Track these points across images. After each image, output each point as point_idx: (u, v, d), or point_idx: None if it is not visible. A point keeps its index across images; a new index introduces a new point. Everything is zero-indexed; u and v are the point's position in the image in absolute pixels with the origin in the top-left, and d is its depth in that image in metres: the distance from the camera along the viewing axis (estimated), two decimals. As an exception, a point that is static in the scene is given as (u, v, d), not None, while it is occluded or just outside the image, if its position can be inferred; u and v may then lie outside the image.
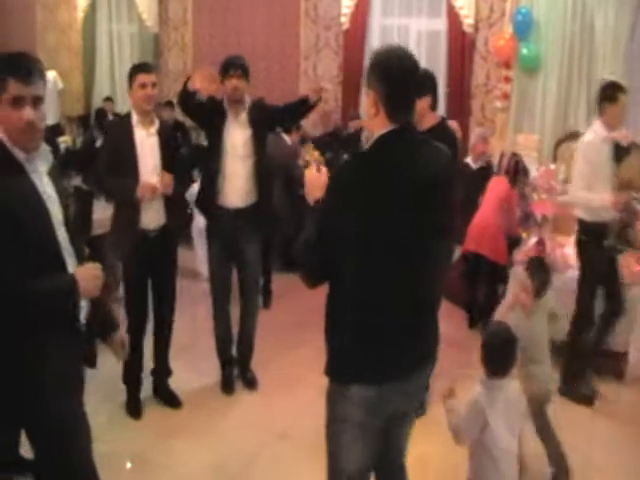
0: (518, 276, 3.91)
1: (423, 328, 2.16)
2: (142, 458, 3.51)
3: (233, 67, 3.90)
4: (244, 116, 3.95)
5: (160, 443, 3.63)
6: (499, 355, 2.59)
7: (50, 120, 7.80)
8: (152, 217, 3.74)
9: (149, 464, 3.46)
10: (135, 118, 3.70)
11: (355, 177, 2.01)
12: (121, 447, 3.55)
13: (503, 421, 2.53)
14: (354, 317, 2.04)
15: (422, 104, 3.38)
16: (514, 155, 5.27)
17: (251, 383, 4.28)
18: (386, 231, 1.98)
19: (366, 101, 2.12)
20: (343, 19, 7.61)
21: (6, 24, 10.30)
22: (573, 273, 4.16)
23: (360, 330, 2.05)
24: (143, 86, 3.63)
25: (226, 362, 4.30)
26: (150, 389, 4.09)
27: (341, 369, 2.11)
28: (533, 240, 4.65)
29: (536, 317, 3.15)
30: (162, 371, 4.08)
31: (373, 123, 2.06)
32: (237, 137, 3.92)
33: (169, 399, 4.05)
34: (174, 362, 4.17)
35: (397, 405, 2.18)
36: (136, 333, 3.88)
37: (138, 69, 3.72)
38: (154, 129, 3.73)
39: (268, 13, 8.23)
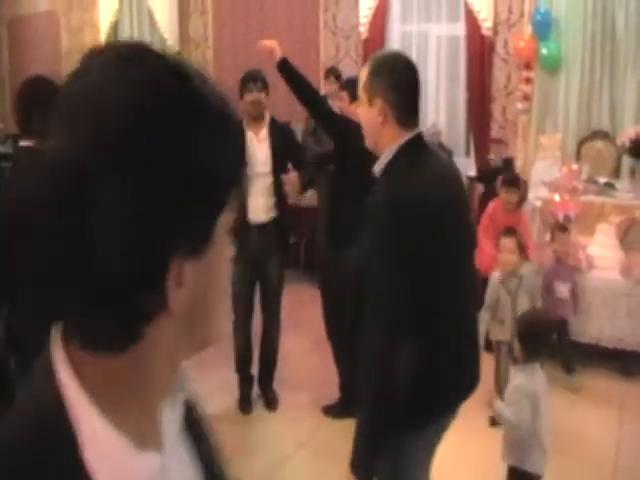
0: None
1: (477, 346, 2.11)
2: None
3: (252, 80, 3.90)
4: (264, 132, 3.93)
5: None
6: (534, 339, 2.68)
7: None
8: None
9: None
10: None
11: (414, 204, 1.84)
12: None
13: (544, 402, 2.63)
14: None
15: None
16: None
17: (272, 403, 4.18)
18: (453, 250, 1.91)
19: (366, 110, 2.00)
20: (362, 29, 7.62)
21: (32, 48, 10.53)
22: (597, 274, 4.13)
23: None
24: None
25: (245, 379, 4.20)
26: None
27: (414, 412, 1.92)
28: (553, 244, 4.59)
29: None
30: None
31: (381, 133, 1.96)
32: (258, 155, 3.90)
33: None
34: (200, 379, 4.14)
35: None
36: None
37: None
38: None
39: (288, 27, 8.27)
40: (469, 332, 2.01)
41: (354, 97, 3.48)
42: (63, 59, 10.78)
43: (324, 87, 6.81)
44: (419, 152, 1.96)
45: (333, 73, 6.73)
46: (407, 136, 1.95)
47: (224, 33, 9.03)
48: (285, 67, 3.51)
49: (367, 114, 2.00)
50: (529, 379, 2.62)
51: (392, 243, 1.80)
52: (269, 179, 3.93)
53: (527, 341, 2.64)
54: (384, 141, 1.96)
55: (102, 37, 10.00)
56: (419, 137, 1.97)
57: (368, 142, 2.01)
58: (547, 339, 2.81)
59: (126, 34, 9.88)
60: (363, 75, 2.01)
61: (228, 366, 4.19)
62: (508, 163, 6.05)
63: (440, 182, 1.92)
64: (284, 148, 3.97)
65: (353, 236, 3.14)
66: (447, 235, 1.85)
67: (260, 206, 3.95)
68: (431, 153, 2.03)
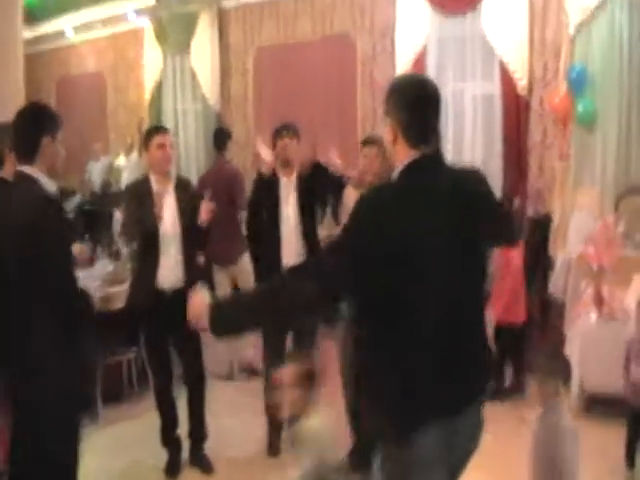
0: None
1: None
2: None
3: (285, 128, 4.03)
4: (294, 179, 4.01)
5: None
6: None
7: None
8: (168, 276, 3.76)
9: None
10: (153, 179, 3.78)
11: (384, 208, 1.93)
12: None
13: None
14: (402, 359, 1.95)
15: None
16: None
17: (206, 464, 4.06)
18: (419, 261, 1.91)
19: (385, 130, 2.07)
20: (399, 86, 7.73)
21: (80, 106, 10.93)
22: (632, 324, 4.03)
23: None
24: (161, 146, 3.73)
25: (274, 425, 4.16)
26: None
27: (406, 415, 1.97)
28: (589, 291, 4.52)
29: None
30: (196, 435, 3.99)
31: (394, 151, 2.02)
32: (289, 204, 3.98)
33: (202, 464, 3.96)
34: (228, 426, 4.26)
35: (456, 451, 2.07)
36: (161, 394, 3.87)
37: (155, 131, 3.86)
38: (171, 187, 3.80)
39: (325, 85, 8.47)
40: (437, 348, 1.95)
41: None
42: (109, 117, 11.17)
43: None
44: (421, 171, 1.98)
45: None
46: (415, 156, 1.98)
47: (264, 93, 9.27)
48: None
49: (385, 133, 2.07)
50: None
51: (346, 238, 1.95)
52: (300, 227, 4.00)
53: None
54: (397, 159, 2.01)
55: (146, 96, 10.36)
56: (425, 157, 1.98)
57: (390, 159, 2.08)
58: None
59: (169, 93, 10.22)
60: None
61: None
62: (546, 217, 6.00)
63: (418, 203, 1.92)
64: (318, 188, 4.04)
65: None
66: (403, 251, 1.87)
67: (292, 254, 4.00)
68: (438, 174, 2.03)
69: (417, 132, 1.99)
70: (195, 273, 3.90)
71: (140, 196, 3.73)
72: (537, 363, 2.90)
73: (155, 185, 3.73)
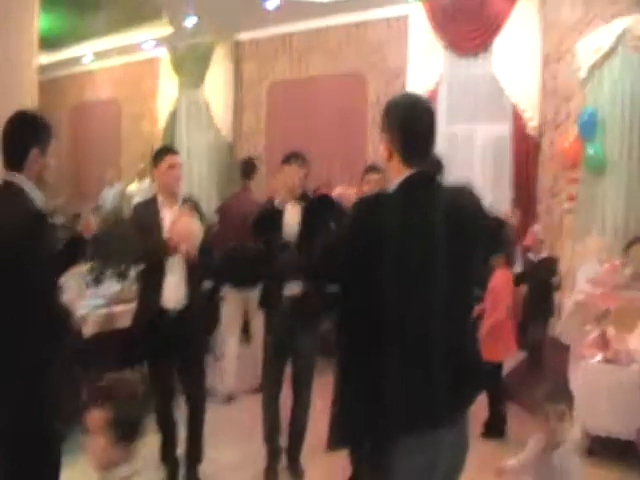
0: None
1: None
2: None
3: (294, 156, 4.02)
4: (298, 207, 3.98)
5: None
6: None
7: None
8: (172, 296, 3.71)
9: None
10: (160, 200, 3.76)
11: (381, 211, 1.98)
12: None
13: None
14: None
15: None
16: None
17: (299, 475, 4.11)
18: (410, 267, 1.94)
19: (381, 147, 2.13)
20: (409, 127, 7.77)
21: (95, 132, 11.06)
22: (637, 367, 3.98)
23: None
24: (172, 167, 3.72)
25: (272, 451, 4.12)
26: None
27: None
28: (595, 334, 4.46)
29: None
30: (192, 456, 3.92)
31: (389, 167, 2.08)
32: (294, 231, 3.94)
33: None
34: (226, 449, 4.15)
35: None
36: (162, 413, 3.81)
37: (166, 151, 3.84)
38: (177, 208, 3.77)
39: (337, 121, 8.51)
40: (422, 357, 1.95)
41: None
42: (122, 145, 11.28)
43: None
44: (416, 187, 2.02)
45: None
46: (409, 173, 2.02)
47: (276, 127, 9.34)
48: None
49: (381, 148, 2.12)
50: None
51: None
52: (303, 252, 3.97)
53: None
54: (391, 175, 2.07)
55: (160, 125, 10.46)
56: (419, 175, 2.03)
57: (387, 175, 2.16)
58: None
59: (183, 123, 10.31)
60: None
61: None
62: (547, 260, 5.94)
63: (413, 213, 1.98)
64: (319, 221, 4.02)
65: None
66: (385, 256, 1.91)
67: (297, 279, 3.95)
68: (431, 190, 2.07)
69: (411, 150, 2.04)
70: (199, 294, 3.88)
71: (146, 217, 3.74)
72: (544, 390, 2.79)
73: (162, 207, 3.73)
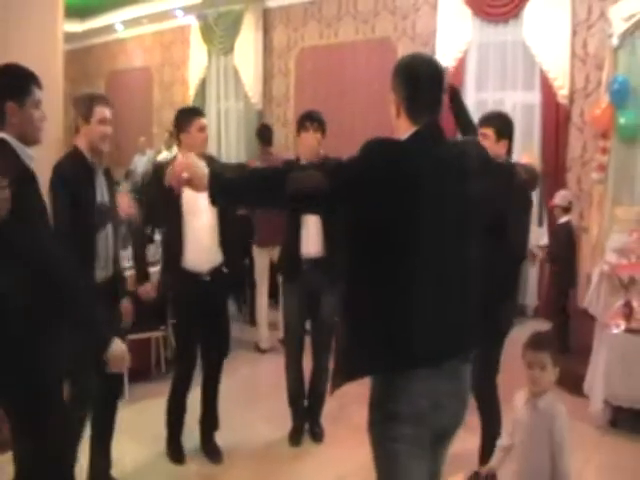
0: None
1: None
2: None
3: (309, 119, 3.99)
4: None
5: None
6: None
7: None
8: (198, 258, 3.74)
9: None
10: None
11: (394, 150, 2.03)
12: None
13: None
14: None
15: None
16: None
17: (319, 436, 4.26)
18: (423, 208, 1.99)
19: (389, 104, 2.16)
20: (438, 95, 7.71)
21: (127, 102, 11.15)
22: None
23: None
24: (202, 129, 3.74)
25: (296, 413, 4.26)
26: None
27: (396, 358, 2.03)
28: (619, 303, 4.45)
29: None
30: (208, 422, 4.00)
31: (397, 125, 2.12)
32: None
33: (211, 453, 3.95)
34: (249, 413, 4.28)
35: (446, 413, 2.10)
36: (182, 379, 3.85)
37: (196, 113, 3.82)
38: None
39: (366, 89, 8.47)
40: (433, 295, 2.02)
41: (502, 134, 3.49)
42: (154, 112, 11.37)
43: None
44: (426, 138, 2.07)
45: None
46: (418, 128, 2.07)
47: (305, 93, 9.34)
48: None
49: (390, 107, 2.16)
50: None
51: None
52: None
53: None
54: (399, 133, 2.10)
55: (191, 93, 10.52)
56: (426, 130, 2.07)
57: (394, 133, 2.14)
58: None
59: (213, 91, 10.37)
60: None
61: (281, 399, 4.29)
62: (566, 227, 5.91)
63: (425, 159, 2.02)
64: None
65: None
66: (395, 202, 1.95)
67: (316, 240, 4.01)
68: (441, 142, 2.12)
69: (418, 108, 2.08)
70: (228, 254, 3.91)
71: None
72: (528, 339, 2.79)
73: None
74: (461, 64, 7.50)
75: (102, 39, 12.08)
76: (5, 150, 2.39)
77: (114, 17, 11.23)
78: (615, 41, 6.17)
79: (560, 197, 5.92)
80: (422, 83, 2.08)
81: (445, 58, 7.46)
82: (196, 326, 3.83)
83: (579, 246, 6.38)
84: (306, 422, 4.29)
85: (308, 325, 4.26)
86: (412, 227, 1.98)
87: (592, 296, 5.31)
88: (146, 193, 4.26)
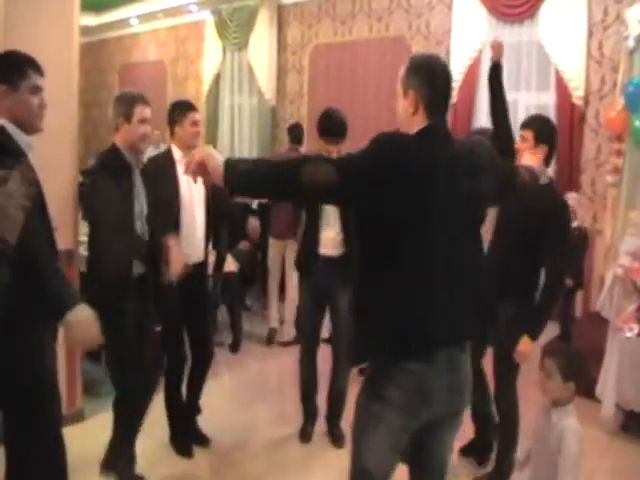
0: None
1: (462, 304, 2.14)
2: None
3: (332, 134, 3.97)
4: None
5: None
6: None
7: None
8: (191, 251, 3.75)
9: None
10: (178, 154, 3.74)
11: (404, 144, 2.10)
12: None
13: None
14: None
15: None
16: None
17: (339, 439, 4.13)
18: (428, 197, 2.06)
19: (401, 101, 2.22)
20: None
21: (142, 92, 11.17)
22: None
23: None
24: (195, 124, 3.76)
25: (308, 411, 4.22)
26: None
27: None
28: (632, 307, 4.42)
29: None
30: (191, 409, 4.00)
31: (410, 121, 2.16)
32: None
33: (197, 439, 3.98)
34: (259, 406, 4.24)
35: (440, 405, 2.13)
36: (172, 372, 3.84)
37: (189, 107, 3.80)
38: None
39: (377, 87, 8.48)
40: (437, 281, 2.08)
41: (541, 138, 3.40)
42: (168, 106, 11.37)
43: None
44: (436, 133, 2.16)
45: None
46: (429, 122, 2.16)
47: (318, 90, 9.34)
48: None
49: (401, 104, 2.21)
50: None
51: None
52: (337, 213, 4.00)
53: None
54: (411, 129, 2.16)
55: (204, 88, 10.53)
56: (439, 124, 2.16)
57: (400, 129, 2.22)
58: None
59: (227, 86, 10.38)
60: (402, 71, 2.22)
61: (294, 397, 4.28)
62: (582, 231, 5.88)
63: (434, 152, 2.10)
64: None
65: None
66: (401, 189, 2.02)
67: (332, 239, 4.00)
68: (449, 138, 2.19)
69: (438, 107, 2.17)
70: (220, 247, 3.97)
71: (161, 168, 3.71)
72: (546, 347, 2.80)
73: (178, 160, 3.72)
74: (475, 64, 7.47)
75: (116, 33, 12.12)
76: (2, 136, 2.32)
77: (129, 11, 11.26)
78: (631, 43, 6.14)
79: (571, 199, 5.89)
80: (440, 82, 2.17)
81: (459, 57, 7.46)
82: (181, 320, 3.83)
83: (592, 249, 6.35)
84: (317, 419, 4.23)
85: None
86: (420, 220, 2.05)
87: (605, 299, 5.28)
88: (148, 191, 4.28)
